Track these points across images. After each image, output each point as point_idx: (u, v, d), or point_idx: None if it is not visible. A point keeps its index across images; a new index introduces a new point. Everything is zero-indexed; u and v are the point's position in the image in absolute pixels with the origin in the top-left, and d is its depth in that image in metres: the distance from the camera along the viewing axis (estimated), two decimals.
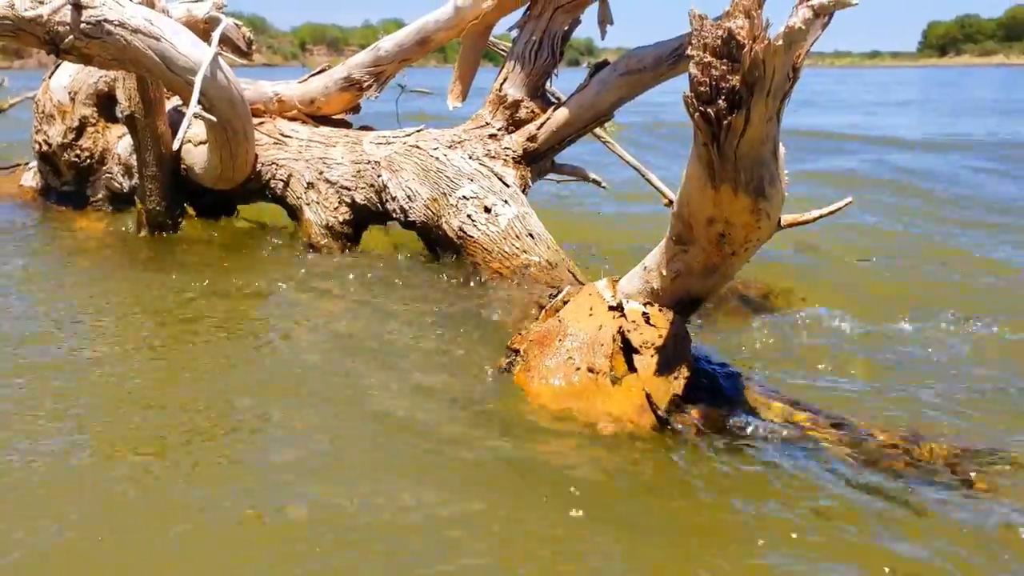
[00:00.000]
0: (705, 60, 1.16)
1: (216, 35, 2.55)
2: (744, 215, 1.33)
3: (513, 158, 2.52)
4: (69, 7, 2.24)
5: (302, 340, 1.95)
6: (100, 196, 3.22)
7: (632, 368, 1.44)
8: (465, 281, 2.27)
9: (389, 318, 2.03)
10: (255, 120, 2.86)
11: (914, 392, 1.53)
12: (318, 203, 2.70)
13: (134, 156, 2.91)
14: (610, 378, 1.43)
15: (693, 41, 1.17)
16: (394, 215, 2.56)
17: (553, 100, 2.58)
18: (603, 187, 2.82)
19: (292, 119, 2.90)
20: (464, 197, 2.36)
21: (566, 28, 2.52)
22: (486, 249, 2.26)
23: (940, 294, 2.34)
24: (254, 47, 3.41)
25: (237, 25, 3.35)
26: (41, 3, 2.27)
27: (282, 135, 2.83)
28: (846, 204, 1.44)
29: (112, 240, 2.87)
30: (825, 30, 1.11)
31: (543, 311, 1.61)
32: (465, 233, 2.31)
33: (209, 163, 2.67)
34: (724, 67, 1.15)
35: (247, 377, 1.70)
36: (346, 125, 2.96)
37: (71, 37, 2.27)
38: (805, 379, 1.59)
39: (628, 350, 1.46)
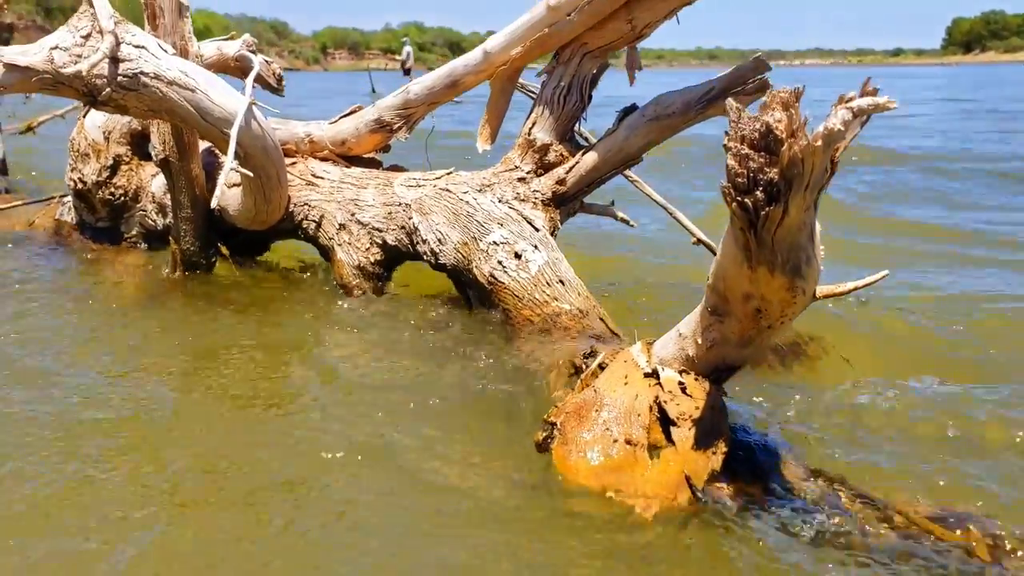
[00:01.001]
0: (743, 152, 1.17)
1: (249, 82, 2.59)
2: (780, 292, 1.34)
3: (542, 201, 2.54)
4: (107, 61, 2.28)
5: (336, 396, 1.98)
6: (134, 232, 3.28)
7: (669, 439, 1.45)
8: (496, 328, 2.29)
9: (421, 377, 2.06)
10: (287, 160, 2.90)
11: (956, 465, 1.53)
12: (350, 244, 2.74)
13: (168, 195, 2.96)
14: (648, 450, 1.44)
15: (730, 132, 1.18)
16: (425, 257, 2.59)
17: (582, 143, 2.60)
18: (632, 225, 2.83)
19: (323, 159, 2.94)
20: (494, 243, 2.38)
21: (595, 71, 2.53)
22: (517, 296, 2.28)
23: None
24: (284, 81, 3.46)
25: (267, 62, 3.41)
26: (80, 57, 2.32)
27: (314, 176, 2.87)
28: (881, 277, 1.44)
29: (147, 282, 2.92)
30: (864, 127, 1.12)
31: (579, 380, 1.62)
32: (496, 279, 2.33)
33: (243, 206, 2.71)
34: (762, 159, 1.16)
35: (282, 439, 1.73)
36: (376, 164, 3.00)
37: (108, 90, 2.32)
38: (843, 448, 1.60)
39: (665, 421, 1.47)
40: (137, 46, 2.35)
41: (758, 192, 1.18)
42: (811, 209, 1.20)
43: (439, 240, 2.53)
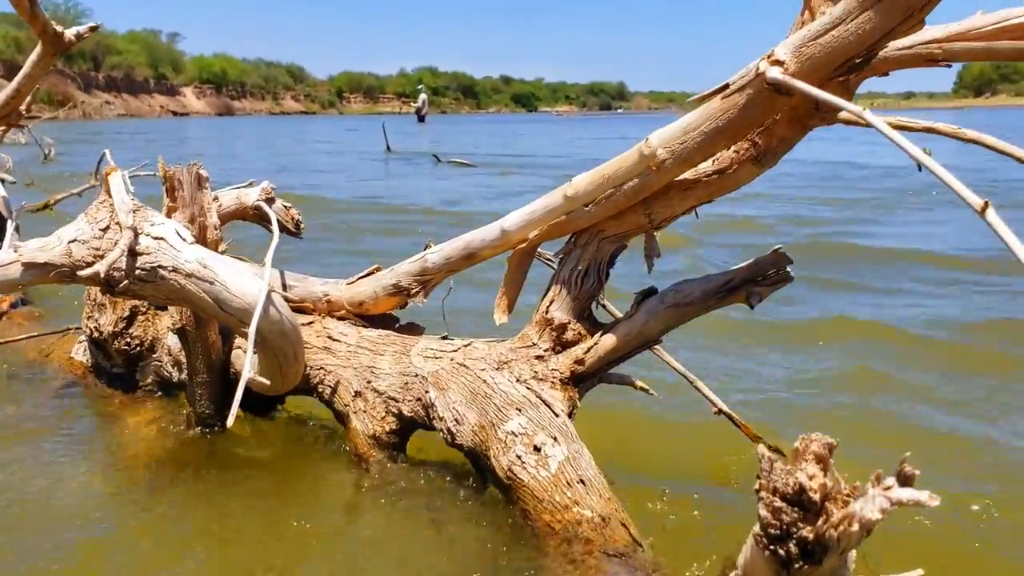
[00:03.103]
0: (775, 504, 1.14)
1: (268, 259, 2.59)
2: None
3: (561, 380, 2.51)
4: (125, 256, 2.28)
5: None
6: (149, 381, 3.27)
7: None
8: (518, 529, 2.25)
9: None
10: (303, 319, 2.90)
11: None
12: (365, 412, 2.71)
13: (183, 353, 2.96)
14: None
15: (762, 481, 1.15)
16: (441, 434, 2.56)
17: (599, 322, 2.57)
18: (652, 394, 2.79)
19: (341, 318, 2.93)
20: (512, 433, 2.35)
21: (612, 251, 2.51)
22: (537, 497, 2.24)
23: None
24: (303, 225, 3.47)
25: (286, 207, 3.42)
26: (98, 251, 2.32)
27: (330, 338, 2.85)
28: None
29: (161, 440, 2.89)
30: None
31: None
32: (514, 475, 2.29)
33: (260, 374, 2.69)
34: (795, 515, 1.13)
35: None
36: (392, 320, 2.98)
37: (126, 282, 2.31)
38: None
39: None
40: (156, 238, 2.35)
41: (791, 544, 1.14)
42: (845, 564, 1.16)
43: (456, 420, 2.50)
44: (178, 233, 2.40)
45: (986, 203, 1.23)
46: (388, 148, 22.64)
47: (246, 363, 2.15)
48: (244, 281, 2.39)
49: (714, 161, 2.18)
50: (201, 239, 2.64)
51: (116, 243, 2.30)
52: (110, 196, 2.38)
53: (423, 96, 52.09)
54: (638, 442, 2.99)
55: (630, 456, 2.87)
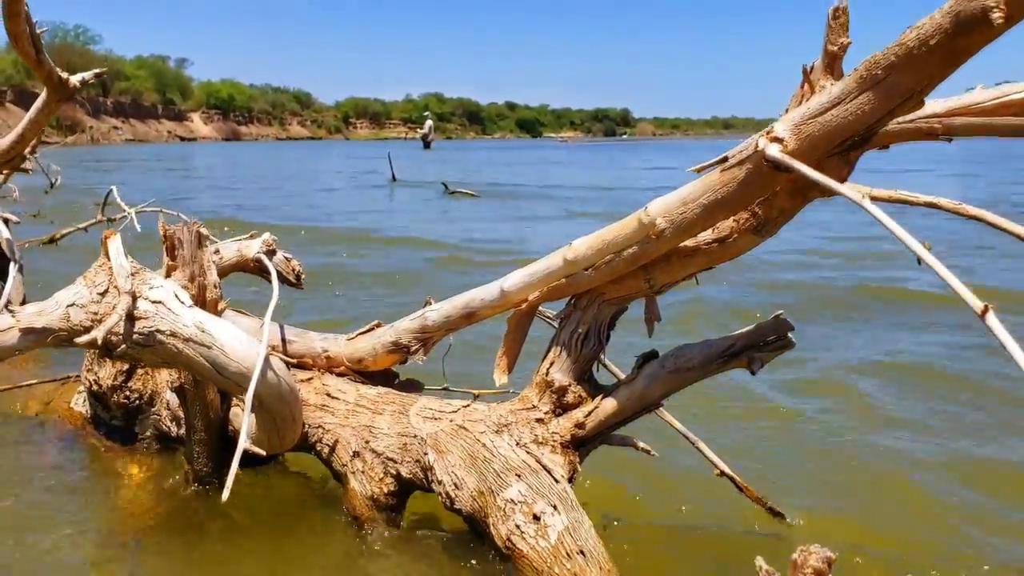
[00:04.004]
0: None
1: (267, 319, 2.58)
2: None
3: (561, 443, 2.48)
4: (123, 321, 2.27)
5: None
6: (148, 434, 3.25)
7: None
8: None
9: None
10: (303, 375, 2.89)
11: None
12: (363, 472, 2.69)
13: (182, 408, 2.94)
14: None
15: None
16: (440, 498, 2.53)
17: (600, 384, 2.55)
18: (653, 455, 2.76)
19: (340, 375, 2.91)
20: (512, 500, 2.32)
21: (612, 313, 2.50)
22: (536, 568, 2.20)
23: None
24: (304, 277, 3.46)
25: (287, 258, 3.42)
26: (96, 315, 2.31)
27: (329, 395, 2.83)
28: None
29: (157, 500, 2.87)
30: None
31: None
32: (513, 544, 2.27)
33: (256, 439, 2.67)
34: None
35: None
36: (392, 376, 2.97)
37: (124, 346, 2.30)
38: None
39: None
40: (154, 301, 2.34)
41: None
42: None
43: (455, 485, 2.47)
44: (177, 296, 2.39)
45: (986, 307, 1.22)
46: (393, 178, 22.73)
47: (243, 433, 2.13)
48: (242, 345, 2.37)
49: (714, 229, 2.17)
50: (201, 299, 2.63)
51: (114, 307, 2.29)
52: (108, 259, 2.38)
53: (429, 123, 52.46)
54: (638, 500, 2.95)
55: (629, 511, 2.84)
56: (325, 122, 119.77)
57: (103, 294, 2.34)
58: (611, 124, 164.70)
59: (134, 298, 2.30)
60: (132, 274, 2.36)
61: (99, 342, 2.21)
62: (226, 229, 8.01)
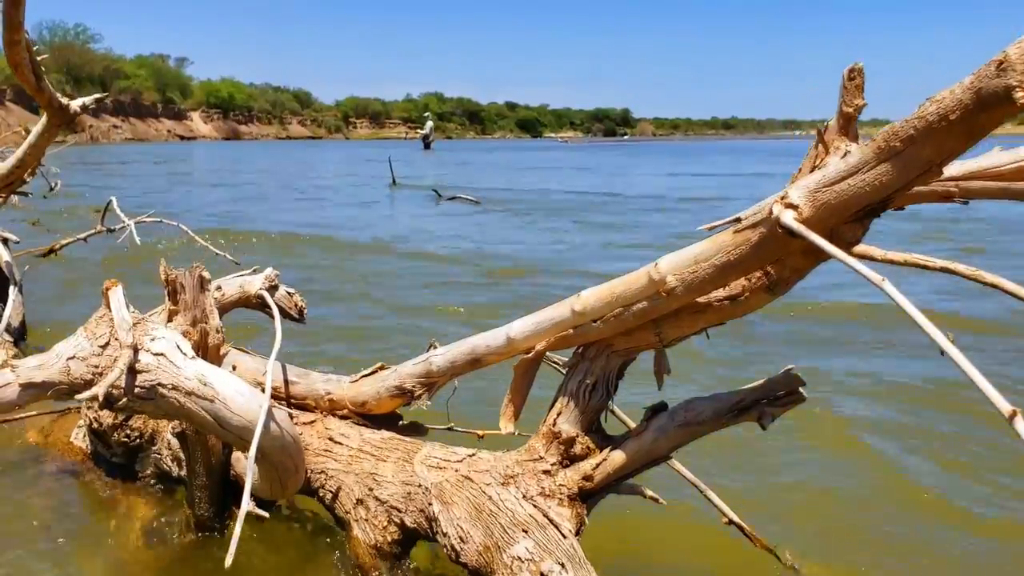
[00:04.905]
0: None
1: (270, 365, 2.55)
2: None
3: (568, 496, 2.45)
4: (124, 376, 2.24)
5: None
6: (149, 472, 3.21)
7: None
8: None
9: None
10: (305, 418, 2.85)
11: None
12: (367, 520, 2.65)
13: (183, 452, 2.91)
14: None
15: None
16: (445, 550, 2.50)
17: (608, 435, 2.52)
18: (661, 503, 2.73)
19: (343, 418, 2.88)
20: (519, 558, 2.29)
21: (621, 363, 2.46)
22: None
23: None
24: (306, 312, 3.43)
25: (289, 293, 3.39)
26: (97, 368, 2.28)
27: (332, 440, 2.80)
28: None
29: (156, 548, 2.83)
30: None
31: None
32: None
33: (259, 487, 2.64)
34: None
35: None
36: (396, 418, 2.93)
37: (125, 399, 2.27)
38: None
39: None
40: (156, 353, 2.31)
41: None
42: None
43: (461, 538, 2.44)
44: (179, 347, 2.35)
45: (1014, 411, 1.19)
46: (394, 182, 22.70)
47: (245, 494, 2.09)
48: (245, 397, 2.34)
49: (726, 287, 2.13)
50: (203, 344, 2.59)
51: (116, 360, 2.25)
52: (109, 310, 2.34)
53: (430, 124, 52.40)
54: (645, 550, 2.92)
55: (636, 563, 2.81)
56: (325, 121, 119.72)
57: (104, 346, 2.30)
58: (611, 124, 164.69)
59: (136, 351, 2.27)
60: (134, 325, 2.32)
61: (100, 398, 2.18)
62: (221, 241, 7.98)
